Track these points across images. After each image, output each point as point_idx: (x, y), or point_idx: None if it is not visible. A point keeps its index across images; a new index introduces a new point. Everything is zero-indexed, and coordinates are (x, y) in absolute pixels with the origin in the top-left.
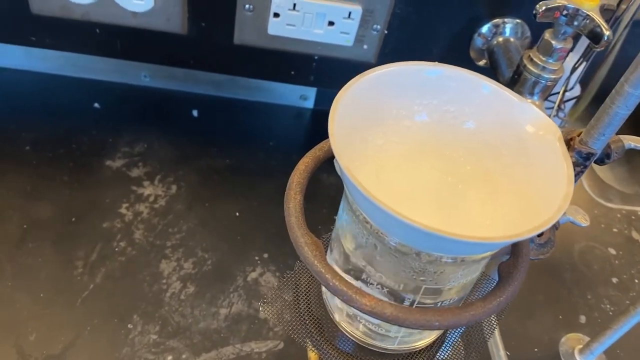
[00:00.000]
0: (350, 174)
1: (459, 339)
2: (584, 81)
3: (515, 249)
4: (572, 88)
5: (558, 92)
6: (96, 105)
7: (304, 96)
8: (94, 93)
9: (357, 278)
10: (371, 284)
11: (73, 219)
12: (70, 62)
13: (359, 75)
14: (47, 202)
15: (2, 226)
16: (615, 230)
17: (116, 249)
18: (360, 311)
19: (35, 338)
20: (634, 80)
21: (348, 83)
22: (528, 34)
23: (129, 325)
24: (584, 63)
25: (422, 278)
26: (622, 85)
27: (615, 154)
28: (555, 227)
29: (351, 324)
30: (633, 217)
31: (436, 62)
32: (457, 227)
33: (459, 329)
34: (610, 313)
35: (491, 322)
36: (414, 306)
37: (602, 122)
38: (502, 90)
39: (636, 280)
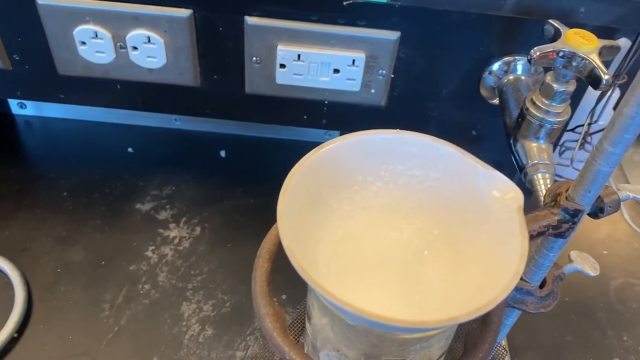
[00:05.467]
0: (293, 259)
1: None
2: None
3: (484, 317)
4: (597, 120)
5: (583, 125)
6: (130, 150)
7: (329, 132)
8: (128, 138)
9: (323, 347)
10: (335, 354)
11: (103, 262)
12: (106, 110)
13: (313, 150)
14: (79, 246)
15: (38, 271)
16: None
17: (141, 292)
18: None
19: None
20: (613, 139)
21: (302, 158)
22: (541, 69)
23: None
24: (616, 90)
25: (378, 351)
26: (601, 143)
27: (610, 208)
28: (559, 277)
29: None
30: None
31: (398, 130)
32: (418, 297)
33: None
34: None
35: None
36: None
37: (587, 179)
38: (464, 155)
39: None
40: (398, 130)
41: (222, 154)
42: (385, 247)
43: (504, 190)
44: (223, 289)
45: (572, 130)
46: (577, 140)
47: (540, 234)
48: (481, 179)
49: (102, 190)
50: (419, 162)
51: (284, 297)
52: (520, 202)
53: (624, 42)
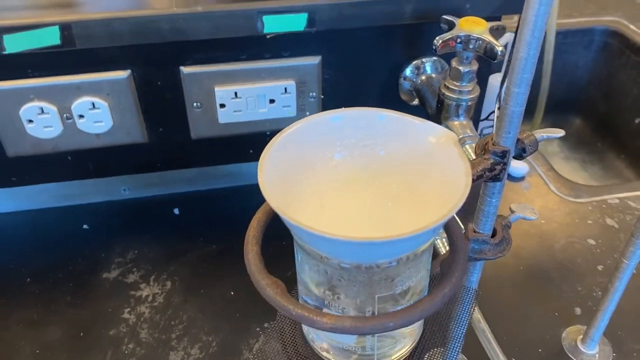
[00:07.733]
0: (280, 210)
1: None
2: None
3: (452, 247)
4: None
5: (494, 111)
6: (85, 226)
7: None
8: (81, 217)
9: (322, 305)
10: (335, 306)
11: (81, 334)
12: (53, 194)
13: (280, 132)
14: (54, 325)
15: (16, 358)
16: (589, 222)
17: (126, 352)
18: (323, 330)
19: None
20: (516, 81)
21: (272, 140)
22: (446, 66)
23: None
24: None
25: (371, 289)
26: (508, 88)
27: (530, 147)
28: (507, 225)
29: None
30: (604, 206)
31: (344, 108)
32: None
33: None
34: None
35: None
36: None
37: (504, 122)
38: (401, 116)
39: None
40: (344, 108)
41: (176, 211)
42: (353, 210)
43: (437, 135)
44: (206, 331)
45: (487, 118)
46: (492, 127)
47: (479, 177)
48: (419, 131)
49: (65, 268)
50: (367, 132)
51: (265, 324)
52: (455, 139)
53: (508, 37)
